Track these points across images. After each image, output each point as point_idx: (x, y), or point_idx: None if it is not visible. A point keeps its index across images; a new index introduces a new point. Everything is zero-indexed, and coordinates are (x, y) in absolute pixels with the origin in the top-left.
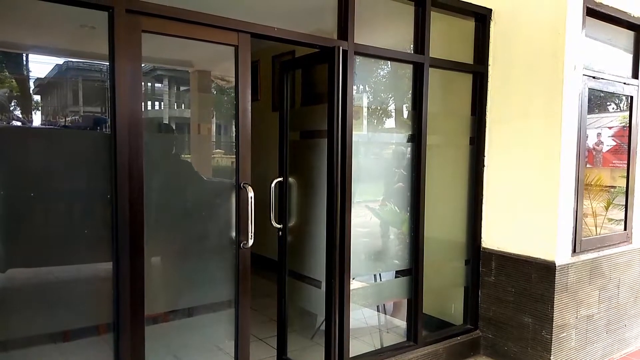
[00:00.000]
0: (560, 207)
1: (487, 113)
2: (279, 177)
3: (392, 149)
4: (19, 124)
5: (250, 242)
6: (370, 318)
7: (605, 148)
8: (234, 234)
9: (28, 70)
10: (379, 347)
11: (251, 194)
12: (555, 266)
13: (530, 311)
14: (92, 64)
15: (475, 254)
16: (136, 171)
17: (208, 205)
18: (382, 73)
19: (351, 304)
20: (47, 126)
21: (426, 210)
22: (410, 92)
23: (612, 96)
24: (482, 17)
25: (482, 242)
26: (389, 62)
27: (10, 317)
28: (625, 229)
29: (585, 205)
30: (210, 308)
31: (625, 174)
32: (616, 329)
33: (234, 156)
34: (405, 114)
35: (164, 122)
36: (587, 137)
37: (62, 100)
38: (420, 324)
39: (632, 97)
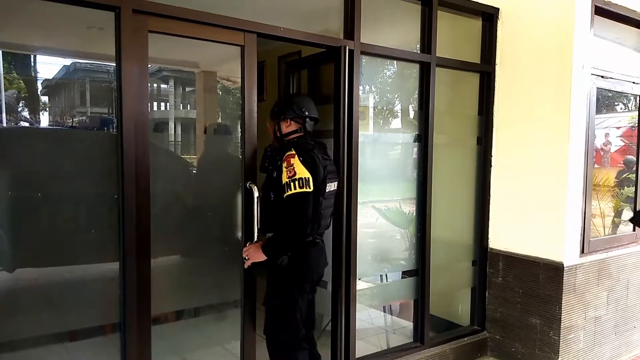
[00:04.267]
0: (568, 208)
1: (494, 113)
2: None
3: (398, 149)
4: (26, 124)
5: None
6: (377, 319)
7: (613, 148)
8: (239, 234)
9: (36, 72)
10: (385, 348)
11: (257, 194)
12: (563, 267)
13: (537, 312)
14: (99, 65)
15: (483, 255)
16: (143, 171)
17: (214, 205)
18: (388, 73)
19: (357, 305)
20: (54, 127)
21: (433, 210)
22: (417, 91)
23: (620, 96)
24: (490, 17)
25: (489, 243)
26: (395, 61)
27: (17, 317)
28: (634, 230)
29: (593, 206)
30: (216, 308)
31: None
32: (625, 331)
33: (240, 156)
34: (412, 113)
35: (167, 122)
36: (595, 137)
37: (69, 101)
38: (427, 325)
39: None
